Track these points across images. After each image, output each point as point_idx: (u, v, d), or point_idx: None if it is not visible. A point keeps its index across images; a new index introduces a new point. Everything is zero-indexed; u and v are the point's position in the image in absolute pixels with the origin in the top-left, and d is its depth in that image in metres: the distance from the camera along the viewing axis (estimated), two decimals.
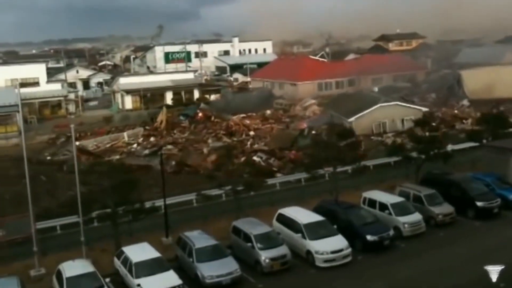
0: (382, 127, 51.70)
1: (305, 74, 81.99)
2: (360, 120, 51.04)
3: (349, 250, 25.06)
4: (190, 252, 24.06)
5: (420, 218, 28.10)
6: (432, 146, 33.50)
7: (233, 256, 24.39)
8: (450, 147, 38.12)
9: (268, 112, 65.12)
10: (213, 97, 79.58)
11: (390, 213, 28.22)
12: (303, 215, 27.04)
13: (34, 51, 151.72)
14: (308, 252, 25.11)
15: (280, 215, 27.85)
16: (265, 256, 24.17)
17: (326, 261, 24.56)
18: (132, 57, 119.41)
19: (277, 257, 24.31)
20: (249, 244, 24.89)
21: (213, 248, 24.34)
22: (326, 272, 24.21)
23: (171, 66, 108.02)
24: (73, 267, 22.69)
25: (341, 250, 24.84)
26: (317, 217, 26.82)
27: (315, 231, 25.64)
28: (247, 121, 59.33)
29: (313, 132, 49.66)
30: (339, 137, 34.46)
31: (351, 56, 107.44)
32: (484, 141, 38.95)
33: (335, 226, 26.24)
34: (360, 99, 57.37)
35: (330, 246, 24.86)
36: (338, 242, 25.23)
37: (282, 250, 24.72)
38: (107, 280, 22.60)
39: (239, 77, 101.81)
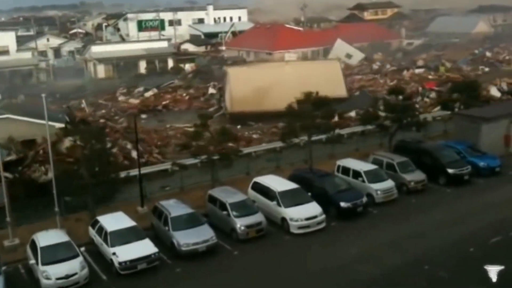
0: None
1: (281, 43, 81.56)
2: None
3: (323, 216, 25.41)
4: (166, 221, 24.11)
5: (392, 185, 28.54)
6: (405, 115, 33.85)
7: (209, 224, 24.54)
8: (422, 117, 38.60)
9: None
10: (187, 66, 78.77)
11: (363, 180, 28.59)
12: (278, 183, 27.25)
13: (3, 19, 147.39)
14: (283, 219, 25.40)
15: (256, 183, 28.02)
16: (240, 223, 24.39)
17: (300, 227, 24.90)
18: (104, 25, 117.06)
19: (252, 224, 24.55)
20: (225, 212, 25.05)
21: (189, 216, 24.40)
22: (300, 238, 24.57)
23: (145, 34, 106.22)
24: (48, 237, 22.56)
25: (315, 217, 25.18)
26: (292, 185, 27.06)
27: (290, 199, 25.90)
28: None
29: None
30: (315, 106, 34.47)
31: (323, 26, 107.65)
32: (456, 109, 39.53)
33: (309, 194, 26.53)
34: None
35: (304, 213, 25.18)
36: (312, 209, 25.54)
37: (258, 217, 24.95)
38: (82, 249, 22.53)
39: (190, 47, 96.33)
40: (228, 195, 26.06)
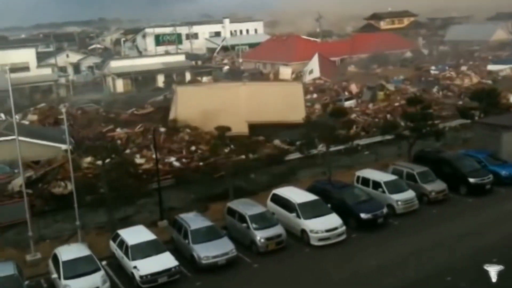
0: None
1: (297, 54, 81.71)
2: None
3: (343, 228, 25.25)
4: (185, 234, 24.16)
5: (413, 196, 28.30)
6: (424, 124, 33.62)
7: (228, 237, 24.54)
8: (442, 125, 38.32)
9: None
10: (205, 79, 79.20)
11: (383, 191, 28.40)
12: (297, 195, 27.17)
13: (23, 36, 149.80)
14: (303, 231, 25.29)
15: (275, 195, 27.97)
16: (260, 236, 24.33)
17: (320, 239, 24.75)
18: (122, 40, 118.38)
19: (272, 236, 24.47)
20: (244, 224, 25.02)
21: (208, 229, 24.43)
22: (321, 250, 24.42)
23: (162, 49, 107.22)
24: (69, 251, 22.73)
25: (335, 229, 25.02)
26: (311, 197, 26.95)
27: (310, 210, 25.80)
28: None
29: None
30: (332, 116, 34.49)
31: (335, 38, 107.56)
32: (476, 118, 39.16)
33: (329, 205, 26.41)
34: None
35: (324, 225, 25.04)
36: (332, 220, 25.40)
37: (277, 229, 24.87)
38: (104, 263, 22.66)
39: None
40: (247, 208, 26.02)
